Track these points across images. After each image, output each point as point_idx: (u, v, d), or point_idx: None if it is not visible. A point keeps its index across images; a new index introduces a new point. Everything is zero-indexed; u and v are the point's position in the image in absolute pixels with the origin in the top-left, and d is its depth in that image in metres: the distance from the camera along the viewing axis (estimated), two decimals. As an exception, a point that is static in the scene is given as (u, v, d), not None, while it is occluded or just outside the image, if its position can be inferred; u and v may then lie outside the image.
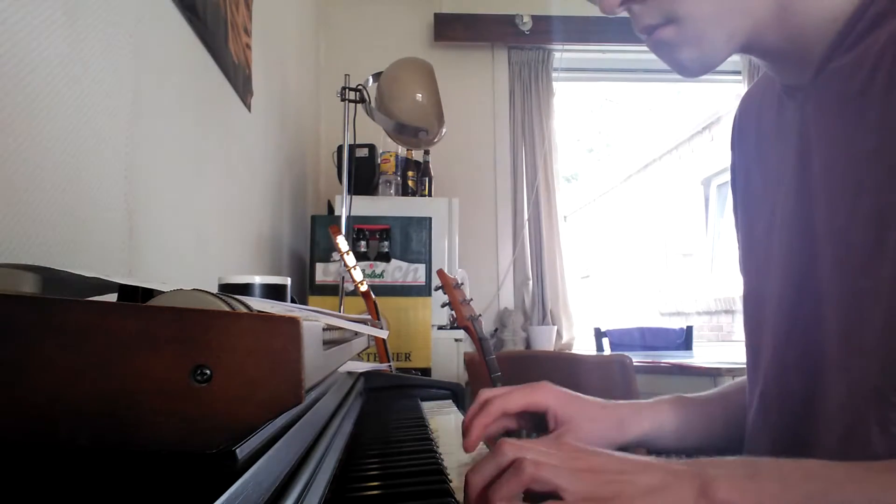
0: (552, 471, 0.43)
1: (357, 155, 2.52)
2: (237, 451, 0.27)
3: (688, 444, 0.73)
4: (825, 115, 0.58)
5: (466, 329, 1.67)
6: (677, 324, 3.88)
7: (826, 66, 0.57)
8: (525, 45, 3.26)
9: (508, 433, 0.69)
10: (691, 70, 0.59)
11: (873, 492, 0.42)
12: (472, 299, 1.72)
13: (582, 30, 3.20)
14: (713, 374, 1.86)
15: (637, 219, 7.06)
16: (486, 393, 0.66)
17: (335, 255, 2.16)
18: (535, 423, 0.69)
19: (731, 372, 1.82)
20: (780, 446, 0.64)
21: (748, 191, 0.73)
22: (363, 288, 1.68)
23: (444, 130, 2.27)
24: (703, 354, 2.69)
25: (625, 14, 0.60)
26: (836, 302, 0.56)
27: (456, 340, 2.43)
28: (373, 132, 2.45)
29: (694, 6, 0.55)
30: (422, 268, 2.30)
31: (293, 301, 0.96)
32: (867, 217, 0.52)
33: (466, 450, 0.63)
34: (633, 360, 1.64)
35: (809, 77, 0.59)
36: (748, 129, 0.73)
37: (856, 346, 0.54)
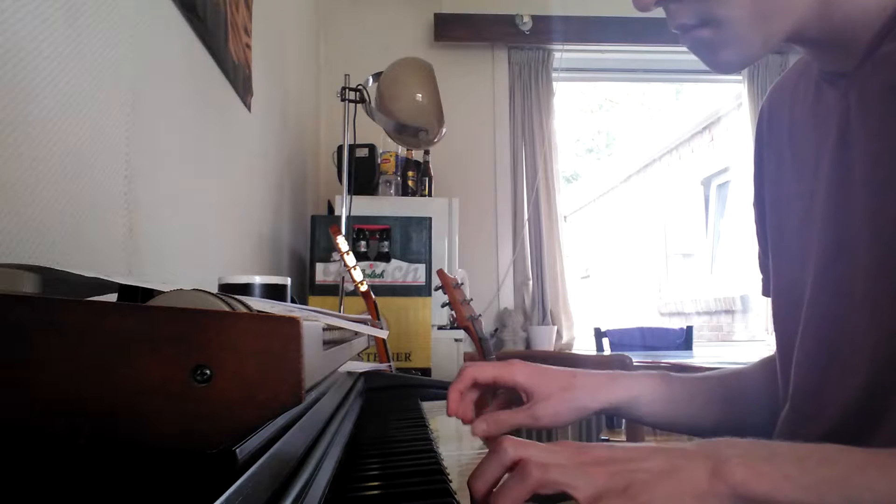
0: (559, 471, 0.41)
1: (357, 155, 2.52)
2: (237, 451, 0.27)
3: (669, 418, 0.73)
4: (870, 103, 0.56)
5: (466, 329, 1.67)
6: (677, 324, 3.88)
7: (873, 52, 0.55)
8: (525, 45, 3.26)
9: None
10: (728, 68, 0.58)
11: None
12: (472, 299, 1.72)
13: (582, 30, 3.21)
14: (713, 374, 1.85)
15: (637, 219, 7.06)
16: (465, 364, 0.70)
17: (335, 255, 2.15)
18: (510, 400, 0.70)
19: (731, 372, 1.81)
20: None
21: (779, 183, 0.70)
22: (363, 288, 1.68)
23: (444, 130, 2.27)
24: (703, 354, 2.70)
25: (658, 12, 0.59)
26: (874, 298, 0.54)
27: (456, 340, 2.43)
28: (373, 132, 2.45)
29: (732, 9, 0.54)
30: (422, 268, 2.30)
31: (293, 301, 0.96)
32: None
33: (448, 413, 0.67)
34: (633, 360, 1.64)
35: (854, 64, 0.57)
36: (780, 119, 0.71)
37: (890, 344, 0.52)
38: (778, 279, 0.70)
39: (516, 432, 0.70)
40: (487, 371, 0.68)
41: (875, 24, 0.54)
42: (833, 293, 0.60)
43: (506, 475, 0.44)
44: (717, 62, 0.58)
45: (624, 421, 2.29)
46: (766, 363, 0.76)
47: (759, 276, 0.77)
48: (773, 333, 0.71)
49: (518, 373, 0.67)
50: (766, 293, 0.75)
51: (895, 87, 0.53)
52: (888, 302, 0.53)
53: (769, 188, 0.73)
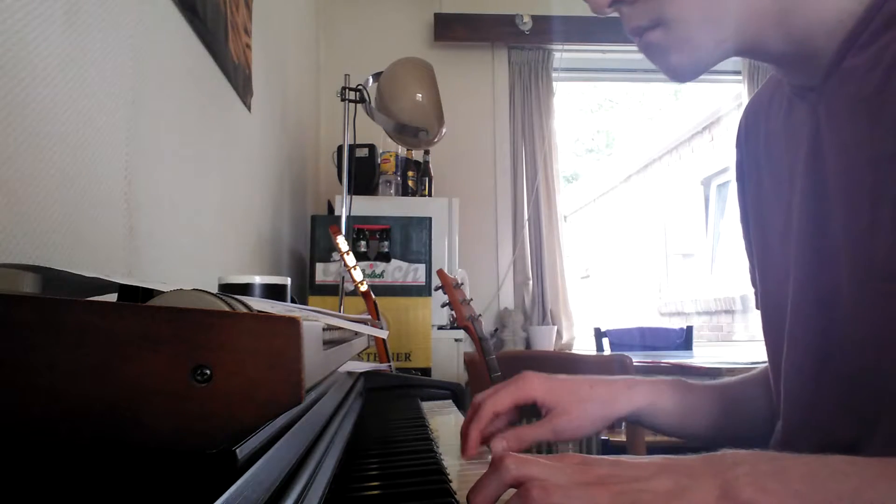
0: (561, 493, 0.40)
1: (357, 155, 2.52)
2: (237, 451, 0.27)
3: (683, 427, 0.73)
4: (838, 116, 0.56)
5: (466, 329, 1.67)
6: (677, 324, 3.88)
7: (838, 66, 0.55)
8: (525, 45, 3.26)
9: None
10: (680, 73, 0.58)
11: None
12: (472, 299, 1.72)
13: (582, 30, 3.20)
14: (713, 374, 1.86)
15: (637, 219, 7.06)
16: (478, 397, 0.68)
17: (335, 255, 2.16)
18: (529, 413, 0.70)
19: (732, 372, 1.82)
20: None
21: (760, 197, 0.71)
22: (363, 288, 1.68)
23: (444, 130, 2.27)
24: (703, 354, 2.70)
25: (615, 14, 0.59)
26: (857, 307, 0.55)
27: (456, 340, 2.43)
28: (373, 132, 2.45)
29: (681, 9, 0.55)
30: (422, 268, 2.30)
31: (293, 301, 0.96)
32: (888, 221, 0.51)
33: (465, 456, 0.66)
34: (633, 360, 1.64)
35: (820, 78, 0.57)
36: (756, 135, 0.72)
37: (877, 352, 0.53)
38: (765, 294, 0.71)
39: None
40: (505, 399, 0.67)
41: (836, 37, 0.55)
42: (816, 304, 0.60)
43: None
44: (670, 66, 0.58)
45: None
46: (766, 371, 0.76)
47: (752, 291, 0.77)
48: (765, 346, 0.71)
49: (536, 388, 0.67)
50: (759, 306, 0.75)
51: (861, 100, 0.53)
52: (873, 309, 0.53)
53: (751, 204, 0.73)
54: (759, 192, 0.71)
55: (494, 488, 0.43)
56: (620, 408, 0.69)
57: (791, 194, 0.63)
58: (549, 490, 0.40)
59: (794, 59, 0.59)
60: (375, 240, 2.33)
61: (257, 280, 0.81)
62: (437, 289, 1.73)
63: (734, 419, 0.74)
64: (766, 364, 0.77)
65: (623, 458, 0.45)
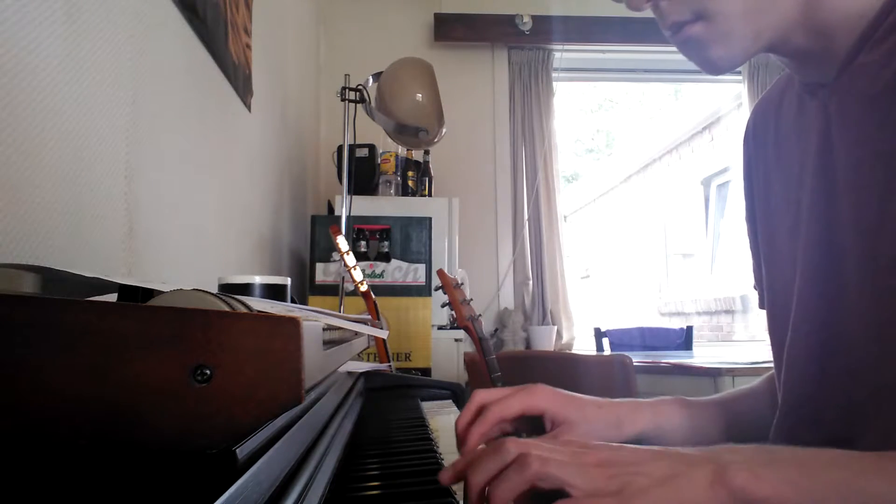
0: (559, 466, 0.41)
1: (357, 155, 2.52)
2: (237, 451, 0.27)
3: (688, 446, 0.72)
4: (849, 113, 0.57)
5: (466, 329, 1.67)
6: (677, 324, 3.88)
7: (851, 62, 0.56)
8: (525, 45, 3.26)
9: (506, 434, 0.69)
10: (719, 67, 0.58)
11: None
12: (472, 299, 1.72)
13: (582, 30, 3.21)
14: (713, 374, 1.85)
15: (637, 219, 7.06)
16: (480, 395, 0.63)
17: (335, 255, 2.16)
18: (532, 426, 0.69)
19: (732, 372, 1.81)
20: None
21: (768, 196, 0.71)
22: (363, 288, 1.68)
23: (444, 130, 2.27)
24: (703, 354, 2.69)
25: (649, 12, 0.59)
26: (863, 302, 0.55)
27: (456, 340, 2.43)
28: (373, 132, 2.45)
29: (724, 3, 0.55)
30: (422, 268, 2.30)
31: (293, 301, 0.96)
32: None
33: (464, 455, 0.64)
34: (633, 360, 1.64)
35: (833, 74, 0.58)
36: (765, 133, 0.72)
37: (885, 346, 0.53)
38: (771, 291, 0.71)
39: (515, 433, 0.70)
40: (514, 406, 0.63)
41: (853, 33, 0.55)
42: (822, 299, 0.60)
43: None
44: (709, 60, 0.58)
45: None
46: (770, 380, 0.76)
47: (756, 290, 0.77)
48: (770, 345, 0.71)
49: (547, 400, 0.65)
50: (762, 306, 0.75)
51: (874, 95, 0.54)
52: (878, 304, 0.53)
53: (759, 202, 0.74)
54: (767, 188, 0.72)
55: (494, 465, 0.43)
56: (625, 431, 0.68)
57: (800, 190, 0.63)
58: (547, 461, 0.41)
59: (812, 55, 0.59)
60: (375, 240, 2.33)
61: (257, 280, 0.81)
62: (437, 289, 1.73)
63: (739, 435, 0.73)
64: (768, 374, 0.77)
65: (625, 445, 0.46)
